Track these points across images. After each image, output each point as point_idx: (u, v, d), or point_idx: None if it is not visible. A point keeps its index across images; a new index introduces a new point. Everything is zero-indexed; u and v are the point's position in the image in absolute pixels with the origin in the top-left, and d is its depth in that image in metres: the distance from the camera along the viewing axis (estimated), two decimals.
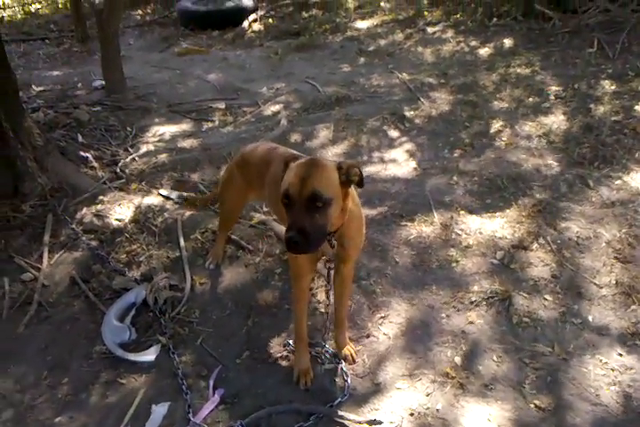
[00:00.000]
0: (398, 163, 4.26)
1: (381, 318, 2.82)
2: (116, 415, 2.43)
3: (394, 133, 4.68)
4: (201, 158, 4.33)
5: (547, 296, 2.87)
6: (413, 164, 4.25)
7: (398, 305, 2.88)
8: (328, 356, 2.64)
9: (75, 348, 2.77)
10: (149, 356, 2.68)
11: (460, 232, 3.37)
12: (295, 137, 4.63)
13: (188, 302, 3.00)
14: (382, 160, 4.31)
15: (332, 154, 4.41)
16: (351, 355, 2.62)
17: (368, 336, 2.73)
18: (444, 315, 2.81)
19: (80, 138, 4.66)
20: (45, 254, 3.27)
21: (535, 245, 3.20)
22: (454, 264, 3.12)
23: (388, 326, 2.78)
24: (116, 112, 5.30)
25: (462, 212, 3.58)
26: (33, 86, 6.15)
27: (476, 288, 2.94)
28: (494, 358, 2.57)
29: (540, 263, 3.09)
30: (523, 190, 3.76)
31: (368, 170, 4.13)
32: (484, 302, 2.85)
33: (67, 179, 3.85)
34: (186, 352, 2.72)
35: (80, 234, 3.40)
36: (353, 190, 2.18)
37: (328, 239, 2.11)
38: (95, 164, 4.18)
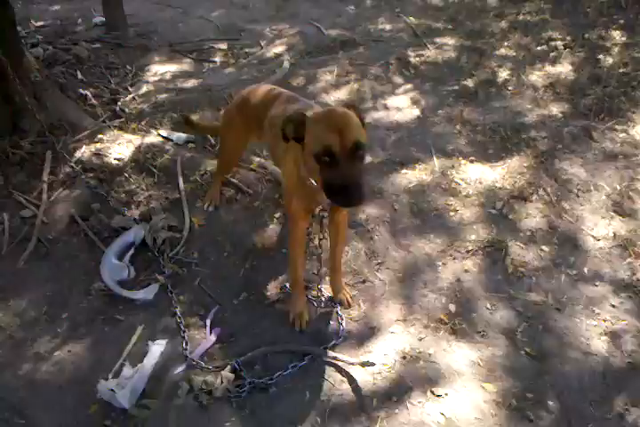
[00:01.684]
0: (401, 110, 4.12)
1: (378, 264, 2.78)
2: (114, 351, 2.42)
3: (398, 80, 4.51)
4: (201, 99, 4.17)
5: (543, 247, 2.83)
6: (417, 111, 4.11)
7: (395, 252, 2.84)
8: (324, 300, 2.62)
9: (74, 284, 2.74)
10: (148, 294, 2.66)
11: (460, 181, 3.29)
12: (297, 80, 4.45)
13: (187, 242, 2.95)
14: (385, 107, 4.16)
15: (335, 99, 4.25)
16: (347, 300, 2.59)
17: (364, 282, 2.70)
18: (440, 263, 2.77)
19: (79, 75, 4.47)
20: (45, 191, 3.19)
21: (535, 197, 3.14)
22: (452, 213, 3.06)
23: (385, 272, 2.74)
24: (115, 50, 5.07)
25: (463, 161, 3.48)
26: (32, 21, 5.87)
27: (473, 237, 2.89)
28: (488, 306, 2.55)
29: (538, 214, 3.03)
30: (526, 141, 3.65)
31: (371, 116, 3.99)
32: (481, 252, 2.81)
33: (66, 116, 3.71)
34: (184, 292, 2.70)
35: (79, 172, 3.31)
36: None
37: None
38: (94, 101, 4.02)
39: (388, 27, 5.51)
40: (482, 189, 3.22)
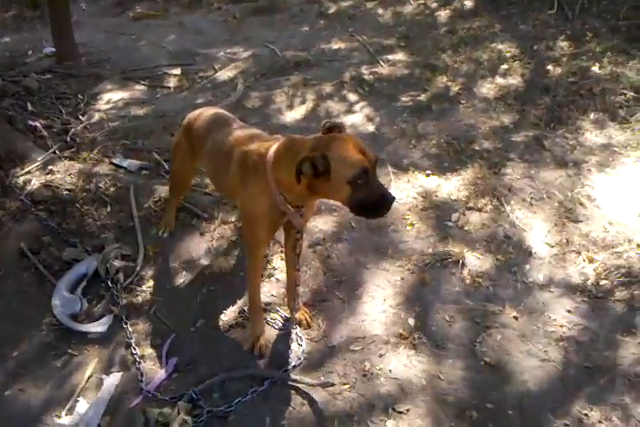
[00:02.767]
0: (356, 127, 4.18)
1: (337, 282, 2.80)
2: (68, 387, 2.38)
3: (353, 97, 4.59)
4: (155, 125, 4.19)
5: (499, 257, 2.88)
6: (372, 127, 4.18)
7: (354, 269, 2.86)
8: (283, 321, 2.62)
9: (25, 320, 2.69)
10: (101, 326, 2.62)
11: (416, 195, 3.34)
12: (252, 102, 4.51)
13: (141, 271, 2.94)
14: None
15: (290, 119, 4.31)
16: (306, 320, 2.60)
17: (323, 301, 2.71)
18: (398, 278, 2.80)
19: (29, 106, 4.45)
20: None
21: (489, 207, 3.20)
22: (409, 227, 3.10)
23: (344, 289, 2.76)
24: (67, 80, 5.08)
25: (419, 175, 3.55)
26: None
27: (430, 251, 2.93)
28: (447, 318, 2.58)
29: (493, 224, 3.09)
30: (479, 153, 3.75)
31: None
32: (438, 264, 2.85)
33: (14, 148, 3.69)
34: (139, 322, 2.67)
35: (29, 205, 3.28)
36: None
37: (298, 211, 2.16)
38: (45, 133, 4.00)
39: (341, 46, 5.63)
40: (437, 201, 3.28)
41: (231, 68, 5.27)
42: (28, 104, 4.49)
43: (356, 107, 4.47)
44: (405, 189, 3.41)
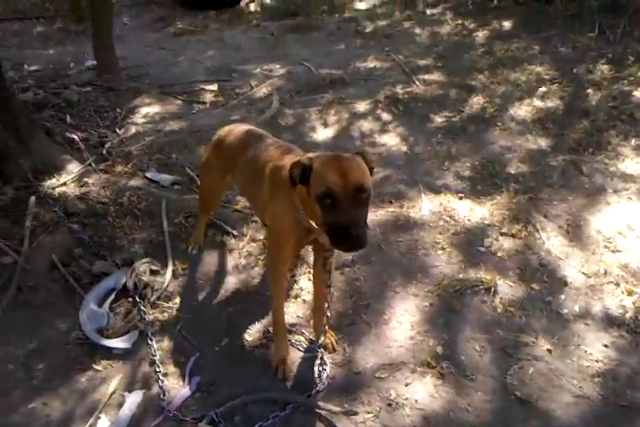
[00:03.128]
0: (389, 147, 4.16)
1: (364, 305, 2.74)
2: (90, 402, 2.37)
3: (387, 117, 4.57)
4: (189, 140, 4.23)
5: (533, 285, 2.79)
6: (405, 148, 4.14)
7: (381, 293, 2.81)
8: (308, 344, 2.57)
9: (52, 333, 2.70)
10: (126, 342, 2.62)
11: (448, 219, 3.28)
12: (286, 120, 4.52)
13: (169, 287, 2.93)
14: (373, 144, 4.20)
15: (323, 138, 4.30)
16: (331, 343, 2.55)
17: (350, 324, 2.66)
18: (427, 303, 2.73)
19: (68, 118, 4.55)
20: (27, 238, 3.19)
21: (524, 233, 3.12)
22: (440, 252, 3.04)
23: (371, 314, 2.70)
24: (106, 93, 5.19)
25: (452, 198, 3.49)
26: (25, 66, 6.03)
27: (461, 276, 2.86)
28: (477, 347, 2.50)
29: (527, 251, 3.00)
30: (514, 176, 3.67)
31: None
32: (469, 291, 2.77)
33: (51, 160, 3.76)
34: (164, 339, 2.66)
35: (62, 217, 3.32)
36: None
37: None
38: (81, 145, 4.07)
39: (377, 65, 5.63)
40: (470, 226, 3.21)
41: (267, 84, 5.31)
42: (67, 116, 4.59)
43: (390, 126, 4.44)
44: (437, 211, 3.36)
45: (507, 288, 2.78)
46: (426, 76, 5.18)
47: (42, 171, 3.66)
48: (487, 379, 2.37)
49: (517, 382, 2.35)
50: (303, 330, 2.63)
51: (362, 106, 4.67)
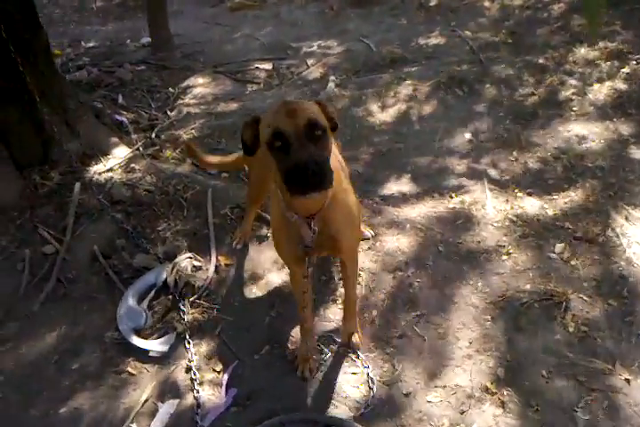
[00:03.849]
0: (452, 134, 3.78)
1: (417, 316, 2.46)
2: (123, 410, 2.23)
3: (450, 100, 4.17)
4: (240, 124, 3.94)
5: (611, 301, 2.43)
6: (468, 135, 3.76)
7: (438, 302, 2.51)
8: (355, 358, 2.32)
9: (89, 330, 2.57)
10: (163, 345, 2.45)
11: (514, 218, 2.92)
12: (342, 102, 4.19)
13: (211, 285, 2.74)
14: (434, 130, 3.83)
15: (380, 122, 3.97)
16: (357, 343, 2.34)
17: (401, 337, 2.39)
18: (488, 317, 2.42)
19: (120, 99, 4.39)
20: (70, 226, 3.05)
21: (601, 238, 2.73)
22: (505, 257, 2.70)
23: (424, 326, 2.42)
24: (160, 71, 4.99)
25: (520, 194, 3.11)
26: (82, 43, 5.92)
27: (528, 287, 2.52)
28: (543, 372, 2.18)
29: (605, 260, 2.62)
30: (592, 170, 3.25)
31: (415, 142, 3.69)
32: (536, 305, 2.43)
33: (99, 144, 3.60)
34: (202, 342, 2.47)
35: (107, 206, 3.17)
36: (343, 177, 2.00)
37: (307, 221, 1.81)
38: (130, 128, 3.90)
39: (441, 42, 5.18)
40: (540, 227, 2.84)
41: (323, 63, 4.97)
42: (120, 96, 4.43)
43: (453, 110, 4.05)
44: (502, 209, 3.00)
45: (580, 304, 2.42)
46: (494, 54, 4.71)
47: (89, 155, 3.51)
48: (554, 410, 2.06)
49: (590, 416, 2.03)
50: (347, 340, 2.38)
51: (423, 87, 4.28)
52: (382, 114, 4.07)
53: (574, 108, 3.87)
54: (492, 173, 3.34)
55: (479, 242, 2.80)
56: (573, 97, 3.98)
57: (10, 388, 2.33)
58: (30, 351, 2.48)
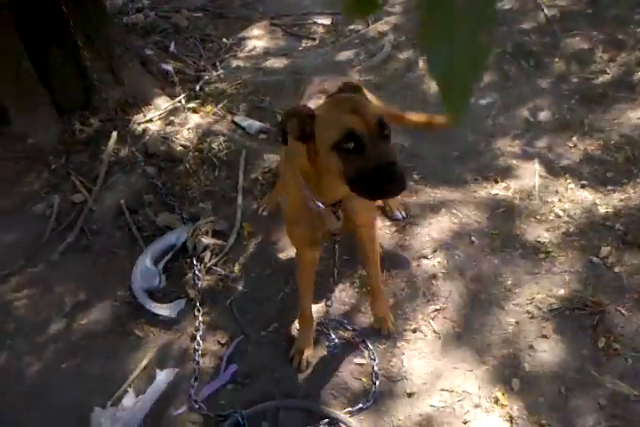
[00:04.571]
0: (507, 108, 3.40)
1: (436, 310, 2.24)
2: (122, 373, 2.16)
3: (513, 72, 3.74)
4: (287, 83, 3.71)
5: None
6: (526, 113, 3.38)
7: (460, 298, 2.28)
8: (363, 349, 2.15)
9: (103, 286, 2.49)
10: (172, 310, 2.34)
11: (561, 213, 2.61)
12: (395, 66, 3.85)
13: (230, 253, 2.59)
14: (490, 105, 3.47)
15: (433, 91, 3.62)
16: (387, 327, 2.17)
17: (414, 331, 2.19)
18: (512, 320, 2.18)
19: (172, 46, 4.18)
20: (101, 176, 2.95)
21: None
22: (543, 255, 2.41)
23: (442, 322, 2.21)
24: (216, 20, 4.72)
25: (572, 185, 2.78)
26: None
27: (561, 292, 2.25)
28: (562, 389, 1.95)
29: None
30: None
31: (467, 117, 3.31)
32: (567, 313, 2.17)
33: (142, 93, 3.44)
34: (211, 311, 2.36)
35: (139, 158, 3.03)
36: None
37: (334, 210, 1.69)
38: (175, 79, 3.70)
39: (513, 6, 4.65)
40: (587, 226, 2.52)
41: (384, 22, 4.58)
42: (172, 44, 4.22)
43: (515, 84, 3.64)
44: (550, 201, 2.68)
45: (616, 317, 2.14)
46: (570, 25, 4.20)
47: (131, 104, 3.37)
48: None
49: None
50: (352, 326, 2.20)
51: None
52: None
53: None
54: (546, 158, 2.99)
55: (517, 235, 2.52)
56: None
57: (19, 337, 2.30)
58: (43, 301, 2.44)
